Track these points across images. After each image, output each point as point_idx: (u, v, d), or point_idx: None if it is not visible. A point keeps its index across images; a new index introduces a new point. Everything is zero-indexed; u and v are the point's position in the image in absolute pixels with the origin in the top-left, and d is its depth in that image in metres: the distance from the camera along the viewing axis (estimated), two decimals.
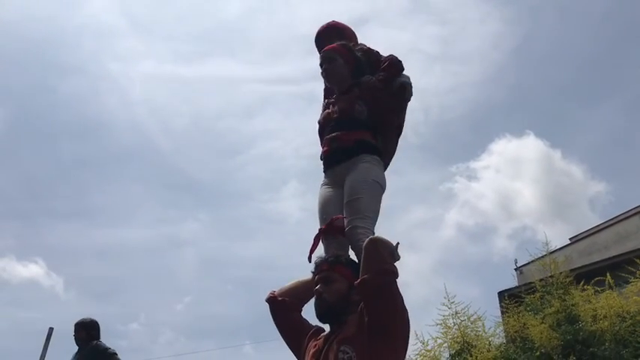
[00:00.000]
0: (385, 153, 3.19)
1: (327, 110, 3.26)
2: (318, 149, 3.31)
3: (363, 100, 3.11)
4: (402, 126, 3.28)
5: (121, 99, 32.78)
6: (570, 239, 15.91)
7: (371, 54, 3.35)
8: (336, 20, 3.65)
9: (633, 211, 14.28)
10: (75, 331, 5.10)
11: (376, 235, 2.53)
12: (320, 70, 3.33)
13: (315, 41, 3.61)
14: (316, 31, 3.61)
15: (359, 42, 3.54)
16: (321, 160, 3.21)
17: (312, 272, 2.56)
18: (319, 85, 3.54)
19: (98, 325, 5.15)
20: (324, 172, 3.18)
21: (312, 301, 2.48)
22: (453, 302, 9.28)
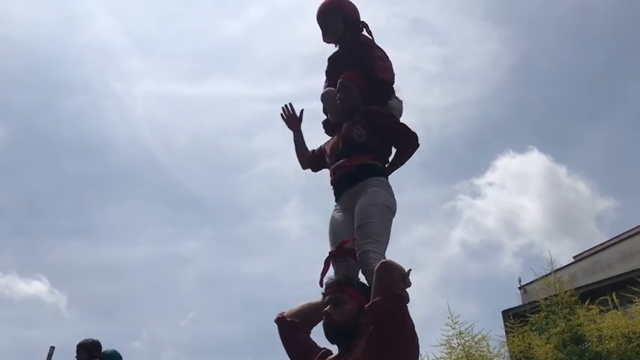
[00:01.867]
0: (400, 158, 3.22)
1: (333, 139, 3.34)
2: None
3: (361, 124, 3.17)
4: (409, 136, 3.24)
5: (124, 117, 32.99)
6: (574, 257, 15.86)
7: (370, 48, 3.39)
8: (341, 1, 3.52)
9: (637, 229, 14.24)
10: (77, 352, 5.08)
11: (387, 259, 2.55)
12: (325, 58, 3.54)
13: (318, 19, 3.57)
14: (319, 7, 3.54)
15: (361, 20, 3.49)
16: (332, 188, 3.26)
17: (323, 293, 2.57)
18: (320, 103, 3.61)
19: (100, 345, 5.14)
20: (336, 200, 3.22)
21: (322, 322, 2.48)
22: (456, 322, 9.22)
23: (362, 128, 3.15)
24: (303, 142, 3.61)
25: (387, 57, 3.45)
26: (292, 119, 3.60)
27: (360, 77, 3.33)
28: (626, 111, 30.90)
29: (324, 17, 3.52)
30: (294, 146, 3.60)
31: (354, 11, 3.50)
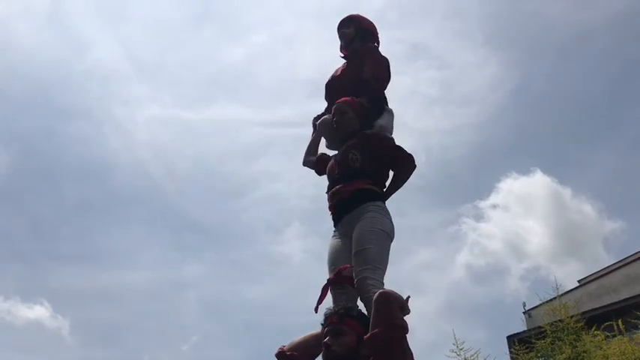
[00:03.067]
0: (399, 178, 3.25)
1: (330, 162, 3.35)
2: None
3: (356, 148, 3.18)
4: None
5: (126, 142, 33.15)
6: (579, 281, 15.73)
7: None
8: (360, 14, 3.86)
9: None
10: None
11: (386, 288, 2.53)
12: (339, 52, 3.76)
13: (337, 29, 3.84)
14: (342, 19, 3.82)
15: (377, 38, 3.77)
16: (330, 214, 3.24)
17: (322, 324, 2.55)
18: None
19: None
20: (334, 226, 3.20)
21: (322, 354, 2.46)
22: (462, 349, 9.10)
23: (357, 152, 3.15)
24: (317, 143, 3.70)
25: (387, 62, 3.63)
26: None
27: (356, 101, 3.37)
28: (627, 133, 30.94)
29: (342, 22, 3.81)
30: (310, 141, 3.71)
31: (367, 23, 3.79)
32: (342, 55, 3.79)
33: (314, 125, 3.74)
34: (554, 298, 9.84)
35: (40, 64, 32.31)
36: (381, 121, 3.37)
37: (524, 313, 13.99)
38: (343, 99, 3.41)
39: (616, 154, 30.47)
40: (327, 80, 3.82)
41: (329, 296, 2.91)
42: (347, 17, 3.80)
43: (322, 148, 3.71)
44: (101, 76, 32.23)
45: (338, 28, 3.82)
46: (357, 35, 3.72)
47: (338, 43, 3.87)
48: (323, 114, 3.71)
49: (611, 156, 30.39)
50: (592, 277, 15.29)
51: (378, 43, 3.77)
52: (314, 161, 3.58)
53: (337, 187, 3.15)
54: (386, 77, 3.62)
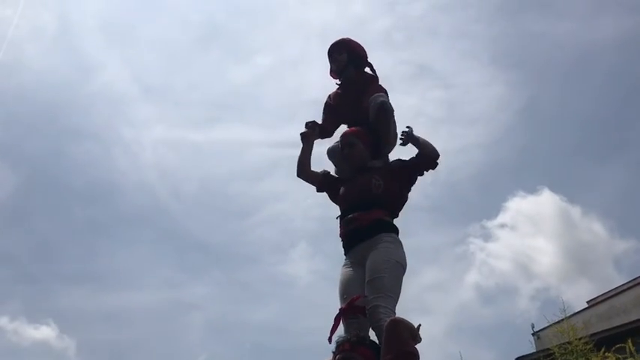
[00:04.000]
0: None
1: (346, 186, 3.32)
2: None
3: (380, 174, 3.21)
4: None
5: (132, 163, 33.39)
6: (588, 302, 15.60)
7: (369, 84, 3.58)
8: (349, 38, 3.80)
9: None
10: None
11: (397, 316, 2.56)
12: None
13: (328, 53, 3.77)
14: (330, 45, 3.75)
15: (368, 61, 3.71)
16: (341, 240, 3.26)
17: (333, 352, 2.58)
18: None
19: None
20: (345, 253, 3.22)
21: None
22: None
23: (380, 178, 3.18)
24: (310, 152, 3.59)
25: (385, 93, 3.58)
26: (310, 136, 3.59)
27: (363, 131, 3.38)
28: (636, 152, 30.90)
29: (333, 48, 3.73)
30: (300, 153, 3.57)
31: (359, 49, 3.73)
32: (337, 83, 3.75)
33: (302, 135, 3.58)
34: (563, 319, 9.75)
35: (49, 86, 32.75)
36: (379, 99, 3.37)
37: (532, 334, 13.89)
38: (350, 129, 3.44)
39: (626, 172, 30.37)
40: (324, 104, 3.79)
41: (341, 325, 2.93)
42: (338, 42, 3.73)
43: (320, 163, 3.66)
44: (109, 98, 32.65)
45: (329, 53, 3.74)
46: (349, 62, 3.66)
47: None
48: (312, 123, 3.61)
49: (620, 174, 30.30)
50: (602, 298, 15.17)
51: (370, 67, 3.72)
52: (319, 177, 3.50)
53: (354, 214, 3.16)
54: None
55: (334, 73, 3.76)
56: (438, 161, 3.29)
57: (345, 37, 3.77)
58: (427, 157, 3.25)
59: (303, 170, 3.52)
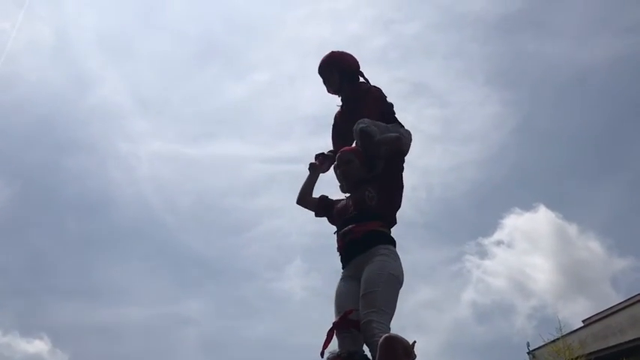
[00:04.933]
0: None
1: (342, 203, 3.35)
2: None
3: (372, 186, 3.20)
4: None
5: (128, 177, 33.38)
6: (584, 321, 15.52)
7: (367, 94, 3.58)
8: (335, 52, 3.77)
9: None
10: None
11: (391, 332, 2.51)
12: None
13: (319, 74, 3.78)
14: (319, 64, 3.76)
15: (359, 69, 3.70)
16: (338, 254, 3.23)
17: None
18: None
19: None
20: (343, 267, 3.18)
21: None
22: None
23: (373, 191, 3.17)
24: (314, 182, 3.64)
25: (382, 93, 3.61)
26: (318, 168, 3.67)
27: (357, 149, 3.38)
28: (631, 170, 31.07)
29: (322, 71, 3.75)
30: (305, 180, 3.64)
31: (348, 63, 3.71)
32: (338, 105, 3.76)
33: (311, 165, 3.67)
34: (558, 338, 9.70)
35: (46, 99, 32.80)
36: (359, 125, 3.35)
37: (528, 353, 13.79)
38: (346, 147, 3.45)
39: (620, 190, 30.50)
40: (332, 127, 3.83)
41: (334, 339, 2.88)
42: (326, 63, 3.71)
43: (321, 188, 3.69)
44: (105, 111, 32.70)
45: (321, 74, 3.74)
46: (342, 80, 3.66)
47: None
48: (321, 156, 3.69)
49: (615, 192, 30.43)
50: (597, 317, 15.09)
51: (362, 74, 3.71)
52: (315, 202, 3.55)
53: (350, 226, 3.14)
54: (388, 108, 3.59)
55: (331, 91, 3.78)
56: (404, 147, 3.28)
57: (330, 52, 3.74)
58: (392, 152, 3.24)
59: (304, 199, 3.59)
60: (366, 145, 3.33)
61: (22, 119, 30.97)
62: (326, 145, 3.88)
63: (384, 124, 3.41)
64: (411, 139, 3.41)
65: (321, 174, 3.67)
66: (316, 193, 3.64)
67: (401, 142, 3.26)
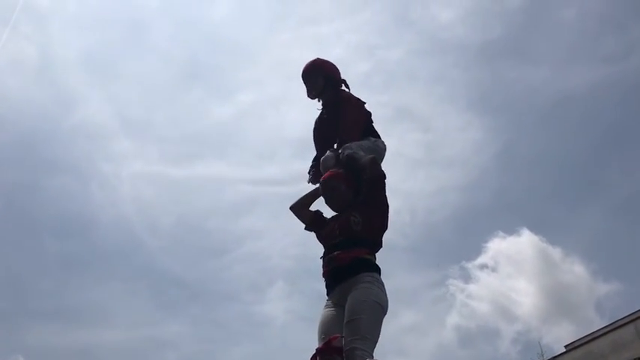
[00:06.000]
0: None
1: (328, 228, 3.32)
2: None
3: (358, 210, 3.18)
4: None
5: (110, 198, 33.03)
6: (566, 347, 15.53)
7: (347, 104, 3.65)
8: (320, 59, 3.88)
9: (628, 319, 14.06)
10: None
11: (375, 358, 2.47)
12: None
13: (302, 77, 3.86)
14: (304, 67, 3.85)
15: (341, 78, 3.81)
16: (324, 280, 3.21)
17: None
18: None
19: None
20: (327, 294, 3.17)
21: None
22: None
23: (358, 215, 3.16)
24: (317, 197, 3.61)
25: (362, 103, 3.71)
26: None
27: (342, 174, 3.37)
28: (614, 195, 31.57)
29: (307, 75, 3.83)
30: (309, 192, 3.64)
31: (333, 70, 3.84)
32: (319, 108, 3.86)
33: (311, 175, 3.72)
34: None
35: (28, 118, 32.53)
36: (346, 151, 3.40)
37: None
38: (329, 173, 3.41)
39: (604, 214, 30.89)
40: (313, 131, 3.90)
41: None
42: (312, 67, 3.81)
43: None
44: (88, 132, 32.47)
45: (305, 79, 3.82)
46: (326, 85, 3.76)
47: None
48: (314, 164, 3.77)
49: (596, 216, 30.80)
50: (579, 343, 15.12)
51: (344, 82, 3.82)
52: (310, 215, 3.50)
53: (335, 253, 3.13)
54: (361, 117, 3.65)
55: (312, 96, 3.86)
56: (374, 168, 3.27)
57: (314, 58, 3.86)
58: (372, 176, 3.27)
59: (300, 208, 3.55)
60: (354, 170, 3.36)
61: (2, 138, 30.59)
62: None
63: (366, 142, 3.48)
64: (385, 149, 3.54)
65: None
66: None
67: (377, 164, 3.31)
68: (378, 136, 3.63)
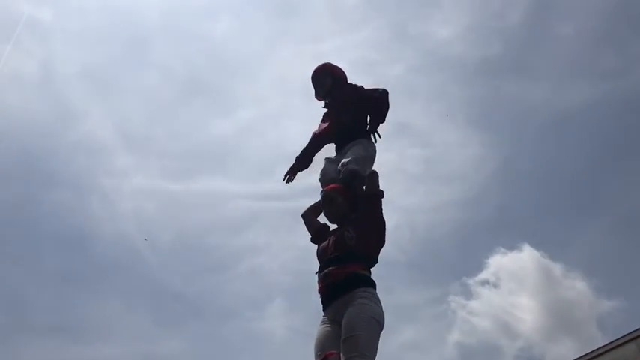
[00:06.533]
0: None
1: (323, 244, 3.32)
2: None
3: (353, 225, 3.19)
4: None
5: (109, 212, 32.87)
6: None
7: (362, 93, 3.87)
8: (331, 63, 4.13)
9: (630, 336, 13.92)
10: None
11: None
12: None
13: (312, 78, 4.10)
14: (313, 70, 4.09)
15: (348, 81, 4.04)
16: (320, 296, 3.18)
17: None
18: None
19: None
20: (323, 310, 3.14)
21: None
22: None
23: (353, 231, 3.15)
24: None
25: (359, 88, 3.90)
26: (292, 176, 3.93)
27: (341, 187, 3.40)
28: (615, 211, 31.48)
29: (317, 75, 4.06)
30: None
31: (341, 73, 4.08)
32: (323, 106, 4.06)
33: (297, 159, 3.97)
34: None
35: (28, 133, 32.43)
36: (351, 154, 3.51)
37: None
38: (330, 187, 3.46)
39: (606, 230, 30.77)
40: (316, 131, 4.04)
41: None
42: (322, 69, 4.05)
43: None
44: (89, 147, 32.41)
45: (314, 79, 4.05)
46: (334, 85, 3.98)
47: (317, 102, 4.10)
48: (306, 150, 3.97)
49: (600, 233, 30.66)
50: None
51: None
52: (319, 227, 3.53)
53: (330, 268, 3.11)
54: (366, 96, 3.83)
55: (320, 96, 4.05)
56: (374, 185, 3.35)
57: (325, 62, 4.09)
58: (366, 193, 3.33)
59: (312, 217, 3.61)
60: (352, 186, 3.40)
61: (3, 153, 30.63)
62: (310, 184, 3.95)
63: (359, 149, 3.56)
64: (375, 152, 3.68)
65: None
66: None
67: (376, 181, 3.36)
68: (374, 130, 3.76)
